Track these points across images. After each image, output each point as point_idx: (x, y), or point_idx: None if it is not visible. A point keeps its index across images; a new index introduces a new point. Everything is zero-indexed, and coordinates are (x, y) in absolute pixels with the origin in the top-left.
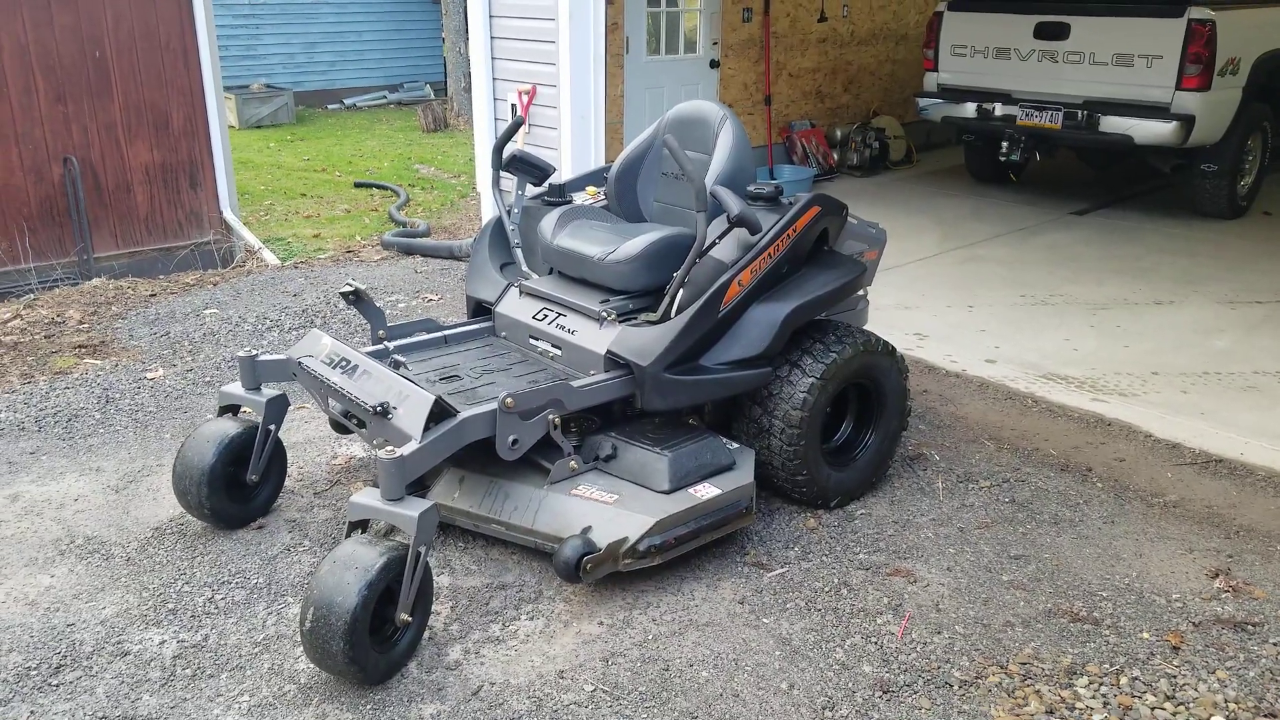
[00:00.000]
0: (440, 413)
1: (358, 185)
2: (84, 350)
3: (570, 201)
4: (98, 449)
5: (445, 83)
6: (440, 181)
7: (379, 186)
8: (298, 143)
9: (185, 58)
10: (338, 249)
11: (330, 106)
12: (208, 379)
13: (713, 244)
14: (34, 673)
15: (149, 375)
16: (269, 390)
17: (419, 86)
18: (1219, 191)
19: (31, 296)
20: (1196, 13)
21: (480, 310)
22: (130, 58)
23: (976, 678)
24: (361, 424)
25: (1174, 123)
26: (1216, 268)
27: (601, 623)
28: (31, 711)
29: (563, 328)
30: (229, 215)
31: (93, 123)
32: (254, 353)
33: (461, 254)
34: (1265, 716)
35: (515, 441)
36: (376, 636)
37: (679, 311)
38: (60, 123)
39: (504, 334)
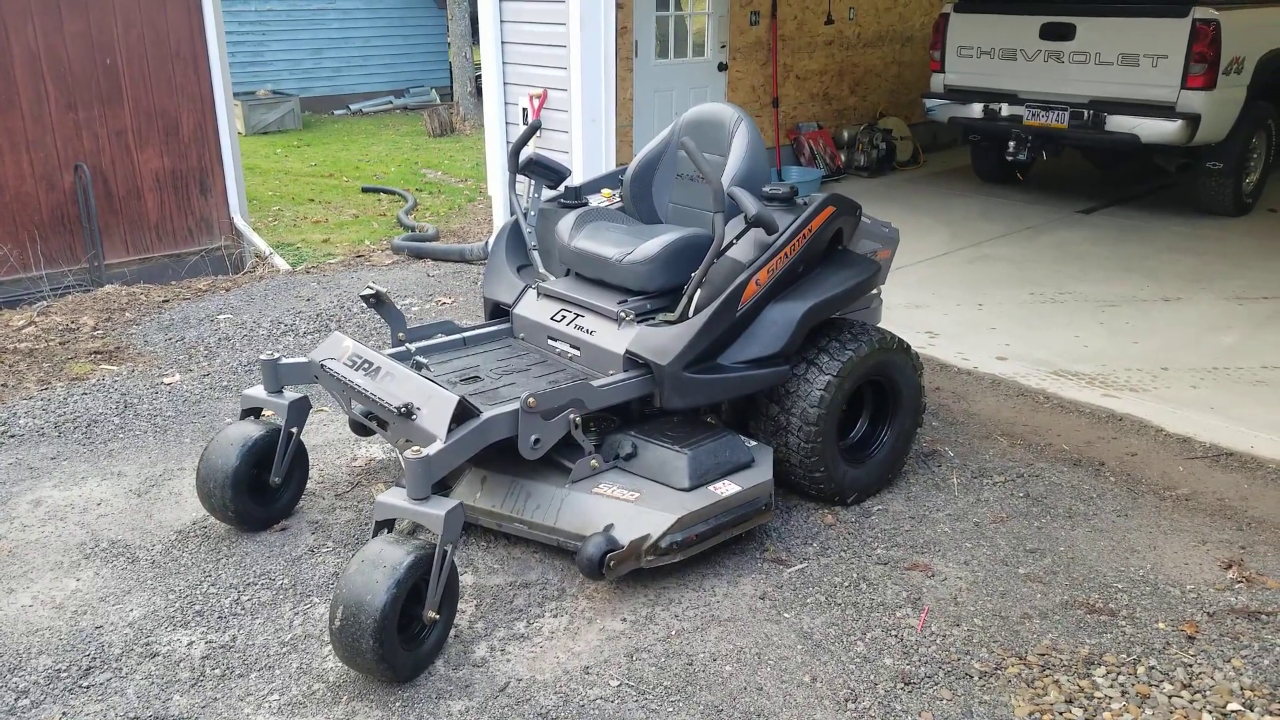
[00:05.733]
0: (464, 413)
1: (365, 190)
2: (100, 356)
3: (586, 204)
4: (118, 454)
5: (451, 87)
6: (448, 186)
7: (386, 191)
8: (304, 148)
9: (195, 64)
10: (347, 254)
11: (336, 112)
12: (224, 384)
13: (730, 244)
14: (64, 675)
15: (166, 380)
16: (291, 393)
17: (425, 91)
18: (1224, 189)
19: (44, 303)
20: (1201, 13)
21: (498, 312)
22: (141, 64)
23: (996, 669)
24: (384, 425)
25: (1179, 121)
26: (1223, 265)
27: (625, 619)
28: (64, 713)
29: (581, 328)
30: (239, 221)
31: (103, 129)
32: (276, 356)
33: (472, 257)
34: None
35: (537, 441)
36: (404, 634)
37: (697, 311)
38: (71, 130)
39: (522, 335)
